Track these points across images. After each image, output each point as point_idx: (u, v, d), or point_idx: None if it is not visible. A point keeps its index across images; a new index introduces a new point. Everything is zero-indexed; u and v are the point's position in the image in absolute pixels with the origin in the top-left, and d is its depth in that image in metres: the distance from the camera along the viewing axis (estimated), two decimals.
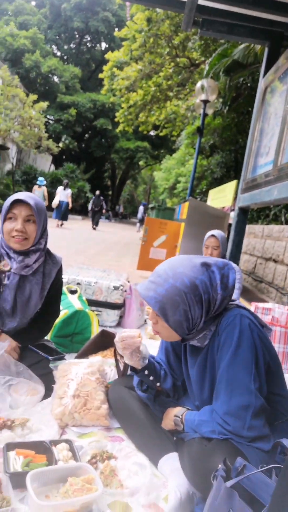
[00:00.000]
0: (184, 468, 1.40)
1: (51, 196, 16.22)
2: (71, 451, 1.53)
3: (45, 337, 2.46)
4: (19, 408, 1.82)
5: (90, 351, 2.25)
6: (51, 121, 29.41)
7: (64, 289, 2.98)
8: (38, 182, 15.59)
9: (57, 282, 2.21)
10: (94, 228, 17.60)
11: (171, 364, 1.65)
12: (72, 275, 3.51)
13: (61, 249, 8.60)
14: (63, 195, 15.50)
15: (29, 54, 27.58)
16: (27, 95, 17.59)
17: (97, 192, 18.51)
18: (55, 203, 15.37)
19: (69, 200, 15.71)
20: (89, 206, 18.37)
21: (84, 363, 2.00)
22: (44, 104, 17.87)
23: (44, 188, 15.29)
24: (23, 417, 1.69)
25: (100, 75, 17.55)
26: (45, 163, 29.87)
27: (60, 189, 15.82)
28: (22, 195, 1.97)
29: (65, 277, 3.40)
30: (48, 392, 1.93)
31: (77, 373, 1.91)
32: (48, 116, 27.72)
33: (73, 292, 3.03)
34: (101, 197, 18.26)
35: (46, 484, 1.33)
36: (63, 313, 2.69)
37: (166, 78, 14.44)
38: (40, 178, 15.87)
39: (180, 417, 1.49)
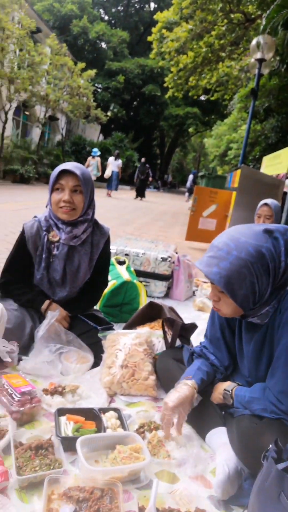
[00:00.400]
0: (233, 443, 1.38)
1: (103, 166, 16.26)
2: (119, 419, 1.56)
3: (95, 307, 2.50)
4: (69, 375, 1.87)
5: (138, 322, 2.26)
6: (99, 90, 29.11)
7: (113, 260, 3.00)
8: (92, 153, 15.76)
9: (105, 253, 2.21)
10: (141, 199, 16.70)
11: (227, 340, 1.58)
12: (121, 246, 3.51)
13: (110, 219, 8.68)
14: (114, 165, 15.66)
15: (77, 20, 27.16)
16: (75, 64, 17.43)
17: (143, 159, 17.37)
18: (107, 174, 15.59)
19: (119, 170, 15.92)
20: (135, 176, 17.06)
21: (132, 334, 2.01)
22: (92, 72, 17.65)
23: (98, 159, 15.29)
24: (74, 384, 1.74)
25: (149, 38, 16.88)
26: (93, 133, 29.88)
27: (111, 159, 15.92)
28: (68, 165, 1.95)
29: (113, 248, 3.41)
30: (97, 361, 1.97)
31: (125, 343, 1.92)
32: (96, 85, 27.43)
33: (121, 263, 3.03)
34: (147, 165, 17.09)
35: (95, 450, 1.37)
36: (112, 283, 2.71)
37: (219, 37, 13.59)
38: (95, 149, 15.90)
39: (230, 391, 1.46)
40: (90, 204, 2.06)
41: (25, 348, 1.99)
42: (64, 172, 1.93)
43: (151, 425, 1.53)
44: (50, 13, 27.65)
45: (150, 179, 17.27)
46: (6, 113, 14.38)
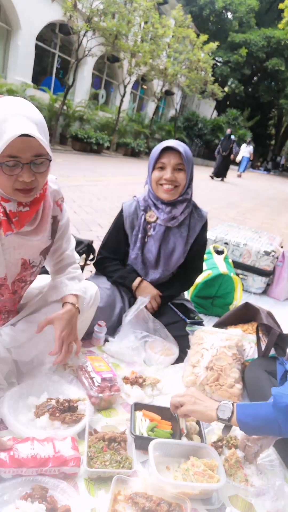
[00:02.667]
0: None
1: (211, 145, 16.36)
2: (198, 424, 1.46)
3: (186, 297, 2.41)
4: (152, 365, 1.83)
5: (230, 321, 2.10)
6: (218, 63, 27.98)
7: (210, 248, 2.85)
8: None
9: (201, 238, 2.10)
10: (222, 179, 14.19)
11: None
12: (221, 233, 3.33)
13: (214, 201, 8.41)
14: (245, 150, 16.89)
15: None
16: (198, 36, 16.88)
17: (228, 131, 14.15)
18: (238, 159, 16.38)
19: (250, 155, 17.38)
20: (216, 151, 13.95)
21: (222, 334, 1.88)
22: (213, 45, 16.92)
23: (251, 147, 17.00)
24: (155, 377, 1.69)
25: (280, 5, 15.47)
26: (208, 109, 29.07)
27: (243, 146, 17.07)
28: (171, 142, 1.87)
29: (212, 235, 3.25)
30: (182, 356, 1.89)
31: (213, 344, 1.80)
32: (216, 58, 26.40)
33: (219, 252, 2.86)
34: (233, 137, 13.79)
35: (167, 455, 1.30)
36: (207, 273, 2.57)
37: None
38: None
39: None
40: (190, 184, 1.97)
41: (113, 329, 1.99)
42: (167, 150, 1.86)
43: (231, 441, 1.41)
44: None
45: (232, 156, 13.74)
46: (125, 87, 14.67)
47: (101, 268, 2.16)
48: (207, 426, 1.50)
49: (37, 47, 12.40)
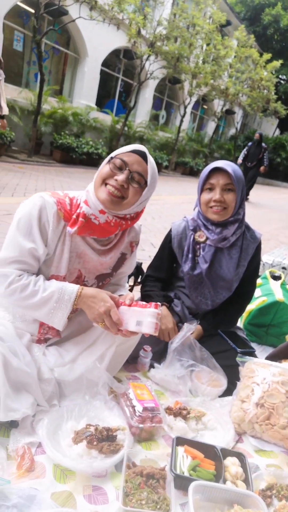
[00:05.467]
0: None
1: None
2: (243, 468, 1.35)
3: (238, 324, 2.29)
4: (198, 396, 1.74)
5: (285, 354, 1.95)
6: (282, 81, 27.41)
7: (266, 272, 2.71)
8: None
9: (255, 260, 2.00)
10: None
11: None
12: (278, 257, 3.16)
13: (273, 221, 8.10)
14: None
15: (270, 8, 25.96)
16: (261, 55, 16.71)
17: (257, 136, 10.66)
18: None
19: None
20: (240, 158, 10.95)
21: (275, 368, 1.74)
22: (277, 63, 16.61)
23: None
24: (200, 410, 1.60)
25: None
26: (270, 127, 28.44)
27: None
28: (220, 163, 1.82)
29: (269, 259, 3.10)
30: (231, 388, 1.78)
31: (265, 378, 1.67)
32: (279, 76, 25.91)
33: (276, 277, 2.71)
34: (263, 145, 10.68)
35: (209, 500, 1.20)
36: (261, 300, 2.44)
37: None
38: None
39: None
40: (241, 204, 1.89)
41: (158, 355, 1.94)
42: (215, 170, 1.81)
43: (282, 491, 1.28)
44: (243, 4, 27.17)
45: (262, 168, 10.59)
46: (185, 107, 14.85)
47: (142, 287, 2.14)
48: (255, 471, 1.38)
49: (101, 72, 13.00)
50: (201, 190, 1.88)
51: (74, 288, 1.40)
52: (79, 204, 1.42)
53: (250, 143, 10.90)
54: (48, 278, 1.44)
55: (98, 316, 1.40)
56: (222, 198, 1.81)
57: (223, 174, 1.80)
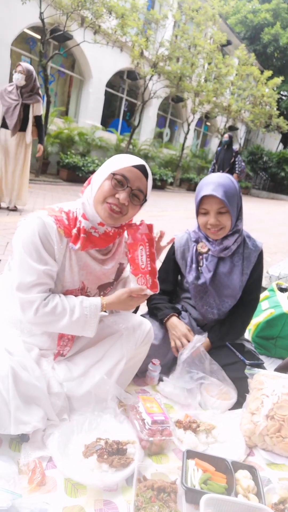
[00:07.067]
0: None
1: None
2: (255, 481, 1.33)
3: (246, 336, 2.29)
4: (207, 409, 1.73)
5: None
6: (283, 97, 27.78)
7: (273, 285, 2.71)
8: None
9: (258, 268, 2.01)
10: None
11: None
12: (285, 269, 3.17)
13: (280, 234, 8.10)
14: None
15: (269, 28, 26.52)
16: (262, 72, 17.02)
17: (226, 137, 8.71)
18: None
19: None
20: (210, 171, 9.56)
21: (284, 379, 1.73)
22: (278, 80, 16.90)
23: None
24: (210, 423, 1.59)
25: None
26: (273, 142, 28.69)
27: None
28: (210, 187, 1.80)
29: (275, 271, 3.11)
30: (240, 400, 1.77)
31: (275, 390, 1.66)
32: (281, 92, 26.28)
33: (283, 290, 2.71)
34: (234, 149, 8.70)
35: None
36: (269, 312, 2.44)
37: None
38: None
39: None
40: (238, 217, 1.91)
41: (167, 368, 1.94)
42: (207, 196, 1.81)
43: None
44: (243, 25, 27.77)
45: (235, 176, 8.44)
46: (188, 125, 15.08)
47: (149, 300, 2.13)
48: (267, 485, 1.37)
49: (106, 92, 13.29)
50: (197, 213, 1.91)
51: (97, 303, 1.45)
52: (76, 217, 1.44)
53: (219, 148, 9.06)
54: (63, 292, 1.47)
55: (129, 307, 1.50)
56: (217, 221, 1.83)
57: (215, 199, 1.80)
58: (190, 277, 2.00)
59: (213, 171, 8.85)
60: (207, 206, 1.83)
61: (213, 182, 1.81)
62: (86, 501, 1.19)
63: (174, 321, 1.96)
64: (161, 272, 2.14)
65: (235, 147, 8.96)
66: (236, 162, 8.57)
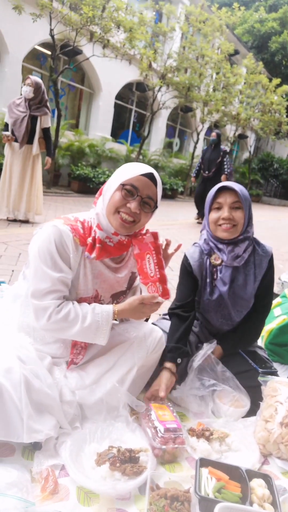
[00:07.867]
0: None
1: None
2: (270, 490, 1.31)
3: (259, 343, 2.27)
4: (220, 417, 1.72)
5: None
6: None
7: (286, 291, 2.69)
8: None
9: (269, 273, 1.99)
10: (198, 219, 8.69)
11: None
12: None
13: None
14: None
15: (276, 36, 26.66)
16: (270, 80, 17.06)
17: (213, 135, 8.04)
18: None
19: None
20: (193, 173, 8.78)
21: None
22: (287, 87, 16.94)
23: None
24: (223, 431, 1.58)
25: None
26: (283, 149, 28.56)
27: None
28: (226, 182, 1.87)
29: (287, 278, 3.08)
30: (254, 408, 1.75)
31: None
32: None
33: None
34: (222, 148, 8.11)
35: None
36: (282, 319, 2.41)
37: None
38: None
39: None
40: (249, 222, 1.92)
41: (179, 376, 1.93)
42: (222, 189, 1.86)
43: None
44: (250, 34, 27.98)
45: (223, 177, 7.88)
46: (198, 134, 15.16)
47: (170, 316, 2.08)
48: (283, 494, 1.34)
49: (115, 105, 13.47)
50: (209, 209, 1.91)
51: (109, 310, 1.46)
52: (91, 226, 1.48)
53: (205, 147, 8.41)
54: (77, 300, 1.50)
55: (142, 315, 1.50)
56: (230, 215, 1.84)
57: (230, 192, 1.84)
58: (205, 293, 1.98)
59: (198, 171, 8.37)
60: (221, 199, 1.86)
61: (230, 182, 1.88)
62: (99, 509, 1.18)
63: (163, 373, 1.74)
64: (182, 289, 2.03)
65: (223, 146, 8.38)
66: (225, 162, 7.98)
